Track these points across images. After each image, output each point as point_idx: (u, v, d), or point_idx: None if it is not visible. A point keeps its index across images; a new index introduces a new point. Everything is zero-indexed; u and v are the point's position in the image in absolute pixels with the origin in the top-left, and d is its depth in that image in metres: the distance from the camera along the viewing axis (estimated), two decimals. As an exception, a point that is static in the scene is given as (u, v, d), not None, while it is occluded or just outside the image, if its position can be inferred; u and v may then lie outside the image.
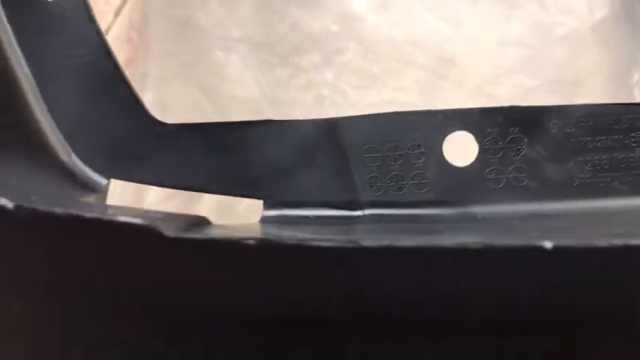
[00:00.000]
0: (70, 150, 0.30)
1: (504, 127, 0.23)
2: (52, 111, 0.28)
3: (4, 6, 0.26)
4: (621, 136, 0.21)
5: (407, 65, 0.64)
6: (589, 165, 0.22)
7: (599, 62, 0.64)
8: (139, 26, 0.69)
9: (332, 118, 0.28)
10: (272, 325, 0.15)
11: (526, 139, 0.23)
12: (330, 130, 0.27)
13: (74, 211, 0.14)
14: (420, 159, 0.24)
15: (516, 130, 0.23)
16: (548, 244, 0.12)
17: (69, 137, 0.30)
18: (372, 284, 0.14)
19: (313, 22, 0.67)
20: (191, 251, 0.15)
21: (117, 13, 0.67)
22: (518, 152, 0.23)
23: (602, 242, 0.11)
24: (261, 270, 0.14)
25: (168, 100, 0.67)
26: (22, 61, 0.27)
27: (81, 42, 0.28)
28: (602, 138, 0.22)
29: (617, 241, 0.11)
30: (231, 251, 0.14)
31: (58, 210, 0.14)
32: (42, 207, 0.14)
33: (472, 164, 0.24)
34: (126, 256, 0.15)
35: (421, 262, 0.13)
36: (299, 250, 0.13)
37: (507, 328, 0.13)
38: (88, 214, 0.15)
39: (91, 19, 0.29)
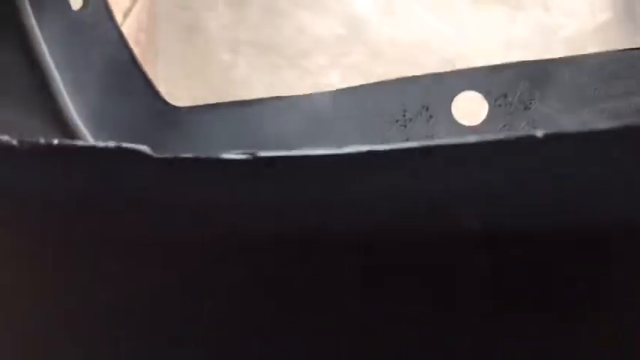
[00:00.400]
0: (89, 136, 0.31)
1: (514, 83, 0.22)
2: (75, 101, 0.29)
3: (33, 12, 0.27)
4: (636, 81, 0.21)
5: (411, 67, 0.65)
6: (605, 113, 0.22)
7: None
8: (147, 28, 0.69)
9: (340, 90, 0.28)
10: (267, 244, 0.15)
11: (537, 93, 0.23)
12: (341, 102, 0.27)
13: (69, 142, 0.15)
14: (429, 122, 0.24)
15: (526, 84, 0.23)
16: (539, 133, 0.11)
17: (89, 124, 0.31)
18: (357, 192, 0.13)
19: (319, 25, 0.67)
20: (180, 171, 0.14)
21: (125, 15, 0.68)
22: (529, 106, 0.22)
23: (594, 128, 0.11)
24: (251, 186, 0.14)
25: (177, 102, 0.67)
26: (49, 57, 0.28)
27: (102, 40, 0.29)
28: (617, 84, 0.21)
29: (608, 125, 0.11)
30: (217, 168, 0.14)
31: (55, 141, 0.14)
32: (42, 140, 0.15)
33: (483, 123, 0.23)
34: (119, 181, 0.15)
35: (411, 162, 0.12)
36: (290, 160, 0.13)
37: (500, 234, 0.13)
38: (81, 144, 0.15)
39: (112, 19, 0.30)
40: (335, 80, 0.65)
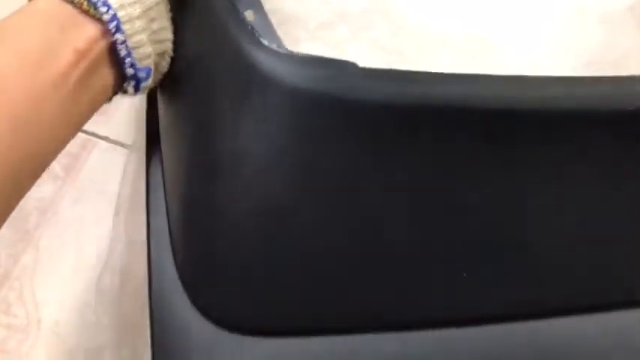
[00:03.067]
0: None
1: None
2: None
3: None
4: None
5: (436, 42, 0.69)
6: None
7: (637, 42, 0.69)
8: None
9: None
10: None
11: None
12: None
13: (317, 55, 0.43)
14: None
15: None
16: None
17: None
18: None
19: (342, -4, 0.70)
20: (375, 73, 0.42)
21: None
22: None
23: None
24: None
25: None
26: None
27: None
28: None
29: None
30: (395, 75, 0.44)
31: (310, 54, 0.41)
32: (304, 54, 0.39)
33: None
34: (342, 79, 0.43)
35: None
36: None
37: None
38: (321, 56, 0.44)
39: (272, 28, 0.57)
40: (358, 53, 0.70)
